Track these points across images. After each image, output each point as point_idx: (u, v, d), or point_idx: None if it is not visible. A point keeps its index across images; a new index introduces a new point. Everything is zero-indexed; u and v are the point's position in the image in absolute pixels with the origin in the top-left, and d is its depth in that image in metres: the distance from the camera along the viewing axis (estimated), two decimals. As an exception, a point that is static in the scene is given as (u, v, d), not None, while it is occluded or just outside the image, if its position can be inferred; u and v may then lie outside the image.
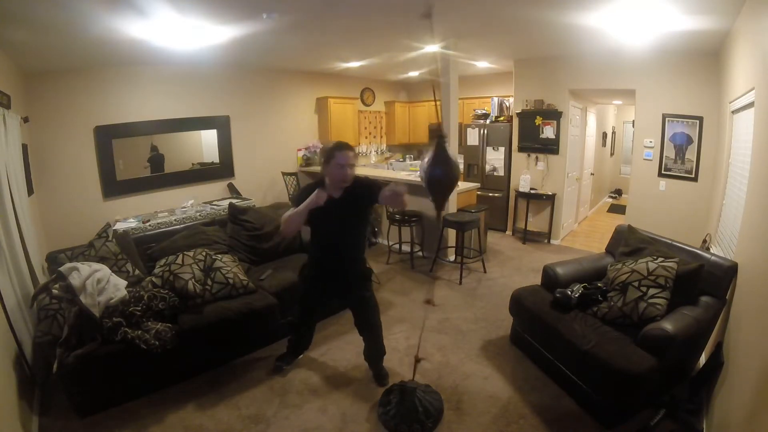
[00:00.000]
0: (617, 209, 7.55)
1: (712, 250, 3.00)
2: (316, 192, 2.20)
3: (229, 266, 3.14)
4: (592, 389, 2.28)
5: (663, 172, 4.58)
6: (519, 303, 2.94)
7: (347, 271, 2.47)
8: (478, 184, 5.67)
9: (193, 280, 2.87)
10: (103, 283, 2.55)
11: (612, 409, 2.19)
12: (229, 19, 3.06)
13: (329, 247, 2.44)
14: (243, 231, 3.75)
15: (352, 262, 2.49)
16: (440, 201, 1.95)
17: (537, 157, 5.59)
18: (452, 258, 4.85)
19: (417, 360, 2.40)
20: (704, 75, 4.07)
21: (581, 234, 6.18)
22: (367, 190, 2.35)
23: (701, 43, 3.70)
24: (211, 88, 5.30)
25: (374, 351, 2.67)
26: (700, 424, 2.13)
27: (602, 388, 2.22)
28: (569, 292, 2.71)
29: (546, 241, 5.66)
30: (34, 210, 3.69)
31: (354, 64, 5.72)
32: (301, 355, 2.91)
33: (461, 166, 6.32)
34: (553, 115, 5.33)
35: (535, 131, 5.52)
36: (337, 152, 2.24)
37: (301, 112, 6.49)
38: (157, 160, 5.03)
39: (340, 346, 3.07)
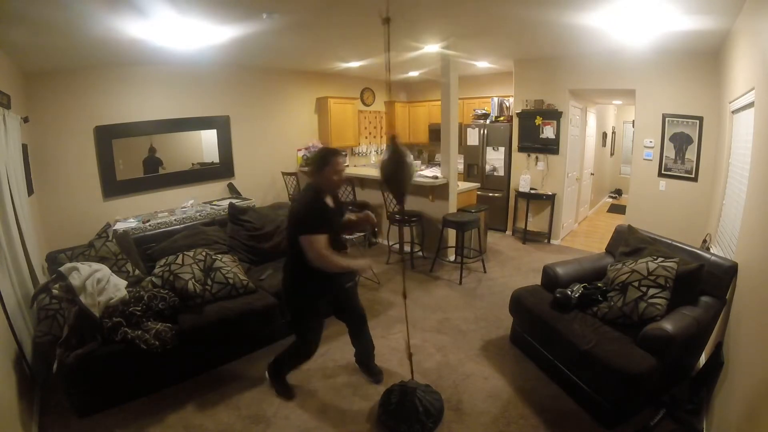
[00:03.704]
0: (617, 209, 7.55)
1: (712, 250, 3.00)
2: (363, 266, 2.38)
3: (229, 266, 3.14)
4: (592, 389, 2.28)
5: (663, 172, 4.57)
6: (519, 303, 2.94)
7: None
8: (478, 184, 5.67)
9: (193, 280, 2.87)
10: (103, 283, 2.55)
11: (612, 409, 2.19)
12: (229, 19, 3.06)
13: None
14: (243, 231, 3.75)
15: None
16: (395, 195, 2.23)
17: (537, 157, 5.59)
18: (452, 258, 4.85)
19: (409, 356, 2.42)
20: (704, 75, 4.07)
21: (581, 234, 6.18)
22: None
23: (701, 43, 3.70)
24: (211, 89, 5.30)
25: (366, 344, 2.67)
26: (700, 424, 2.14)
27: (602, 388, 2.22)
28: (569, 292, 2.71)
29: (546, 241, 5.66)
30: (34, 210, 3.69)
31: (354, 64, 5.72)
32: None
33: (461, 166, 6.33)
34: (553, 115, 5.33)
35: (535, 131, 5.51)
36: (333, 158, 2.23)
37: (301, 112, 6.49)
38: (151, 162, 4.98)
39: (340, 346, 3.07)
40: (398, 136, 2.17)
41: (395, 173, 2.10)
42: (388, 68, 2.27)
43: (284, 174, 6.04)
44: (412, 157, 2.15)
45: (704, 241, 3.50)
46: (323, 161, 2.23)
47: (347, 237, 3.97)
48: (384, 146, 7.89)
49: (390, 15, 2.01)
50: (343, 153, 2.36)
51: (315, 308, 2.39)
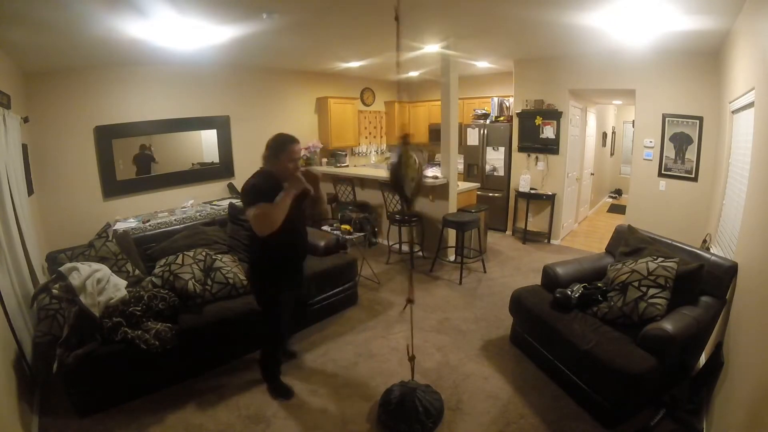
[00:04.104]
0: (617, 209, 7.55)
1: (712, 250, 3.00)
2: (294, 180, 2.22)
3: (229, 266, 3.14)
4: (592, 389, 2.28)
5: (663, 172, 4.58)
6: (519, 303, 2.94)
7: (303, 255, 2.60)
8: (478, 184, 5.68)
9: (193, 280, 2.87)
10: (103, 283, 2.55)
11: (612, 409, 2.19)
12: (229, 19, 3.06)
13: (291, 237, 2.35)
14: (243, 231, 3.74)
15: (305, 246, 2.62)
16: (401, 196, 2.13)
17: (537, 157, 5.59)
18: (452, 258, 4.84)
19: (411, 358, 2.41)
20: (704, 75, 4.07)
21: (581, 234, 6.18)
22: None
23: (701, 43, 3.70)
24: (211, 89, 5.30)
25: (291, 325, 2.80)
26: (700, 424, 2.14)
27: (602, 388, 2.22)
28: (569, 292, 2.71)
29: (546, 241, 5.66)
30: (34, 210, 3.69)
31: (354, 64, 5.72)
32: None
33: (461, 166, 6.33)
34: (553, 115, 5.33)
35: (535, 131, 5.52)
36: (290, 145, 2.26)
37: (301, 112, 6.49)
38: (143, 158, 4.89)
39: (340, 347, 3.07)
40: (410, 136, 2.10)
41: (403, 176, 2.04)
42: (398, 69, 2.26)
43: (284, 174, 6.03)
44: (420, 159, 2.09)
45: (704, 241, 3.50)
46: (281, 147, 2.25)
47: (347, 237, 3.97)
48: (384, 146, 7.89)
49: (399, 14, 2.00)
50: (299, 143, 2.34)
51: (280, 285, 2.42)
